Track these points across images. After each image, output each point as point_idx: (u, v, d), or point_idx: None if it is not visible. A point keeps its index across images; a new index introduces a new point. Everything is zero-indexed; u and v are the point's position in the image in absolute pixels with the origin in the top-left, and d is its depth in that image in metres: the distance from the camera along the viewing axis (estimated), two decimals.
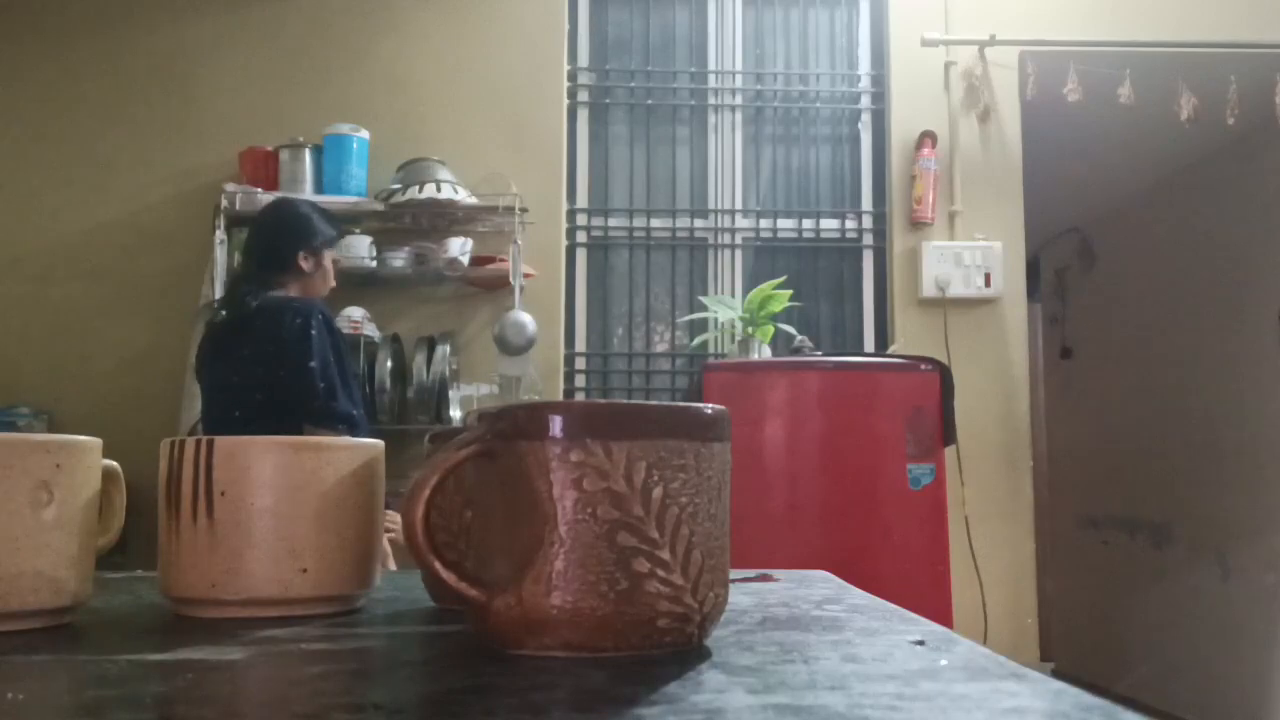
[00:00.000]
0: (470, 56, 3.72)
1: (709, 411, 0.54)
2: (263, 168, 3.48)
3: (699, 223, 3.88)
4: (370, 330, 3.37)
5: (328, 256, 2.63)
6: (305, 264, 2.56)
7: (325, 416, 2.33)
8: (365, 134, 3.51)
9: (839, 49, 3.94)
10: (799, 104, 3.92)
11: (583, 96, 3.90)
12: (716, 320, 3.56)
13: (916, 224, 3.69)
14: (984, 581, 3.40)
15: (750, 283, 3.67)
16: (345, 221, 3.05)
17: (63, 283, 3.59)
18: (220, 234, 3.28)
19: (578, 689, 0.45)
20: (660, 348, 3.87)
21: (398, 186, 3.45)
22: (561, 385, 3.65)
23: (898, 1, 3.80)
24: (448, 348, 3.42)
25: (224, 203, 3.30)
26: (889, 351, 3.57)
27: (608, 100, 3.91)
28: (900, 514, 2.80)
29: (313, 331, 2.37)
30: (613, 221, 3.86)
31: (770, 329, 3.26)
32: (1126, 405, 5.58)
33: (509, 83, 3.71)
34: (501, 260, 3.47)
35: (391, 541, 2.03)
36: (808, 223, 3.86)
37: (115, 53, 3.69)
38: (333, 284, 2.68)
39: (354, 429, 2.32)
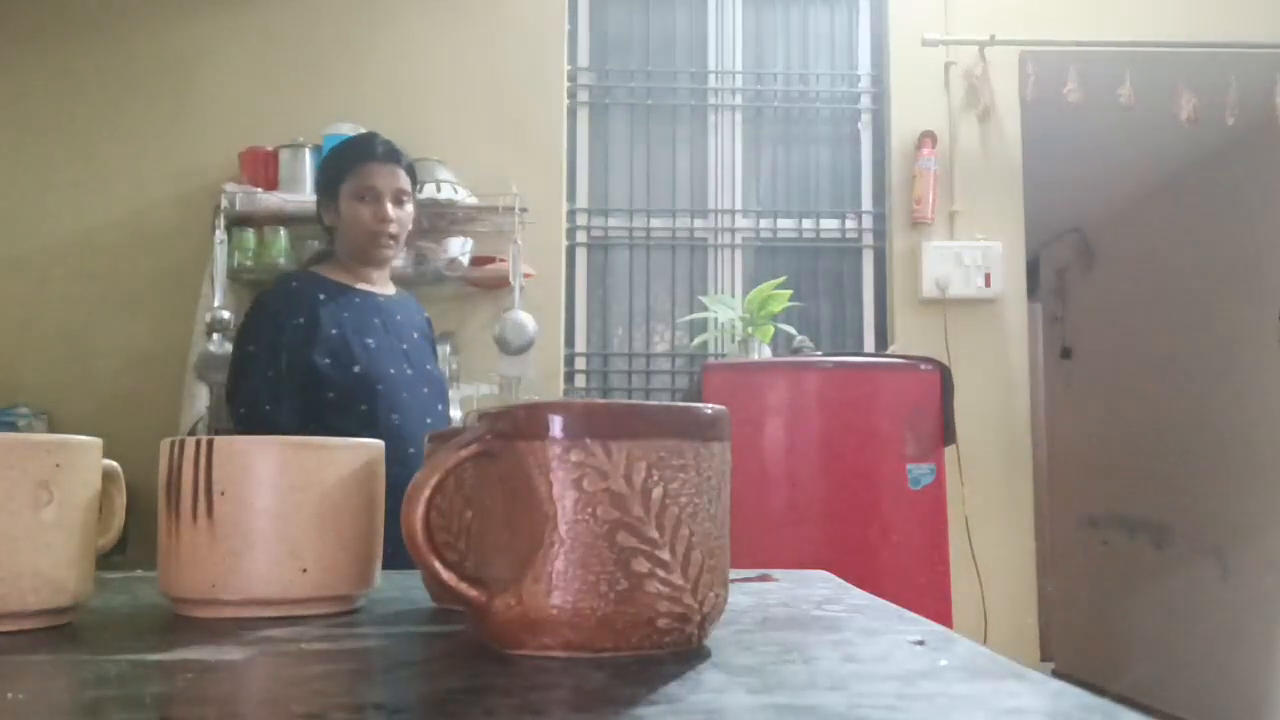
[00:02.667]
0: (470, 56, 3.72)
1: (709, 411, 0.54)
2: (263, 168, 3.48)
3: (699, 223, 3.88)
4: None
5: (345, 197, 2.14)
6: (329, 219, 2.20)
7: (228, 408, 2.15)
8: None
9: (839, 49, 3.94)
10: (799, 104, 3.92)
11: (583, 96, 3.90)
12: (716, 320, 3.56)
13: (916, 224, 3.69)
14: (984, 581, 3.40)
15: (750, 283, 3.67)
16: None
17: (63, 283, 3.59)
18: (220, 234, 3.27)
19: (578, 689, 0.45)
20: (660, 348, 3.87)
21: None
22: (561, 385, 3.65)
23: (898, 1, 3.80)
24: (448, 348, 3.42)
25: (224, 203, 3.30)
26: (889, 351, 3.57)
27: (608, 100, 3.91)
28: (900, 514, 2.80)
29: (246, 318, 2.19)
30: (613, 221, 3.87)
31: (770, 329, 3.26)
32: (1126, 405, 5.58)
33: (509, 83, 3.71)
34: (501, 260, 3.47)
35: None
36: (808, 223, 3.86)
37: (115, 53, 3.69)
38: (373, 229, 2.13)
39: (243, 427, 2.07)
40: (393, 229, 2.17)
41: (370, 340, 2.13)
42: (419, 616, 0.68)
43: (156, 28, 3.71)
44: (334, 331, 2.09)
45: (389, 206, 2.15)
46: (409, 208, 2.22)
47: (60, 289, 3.59)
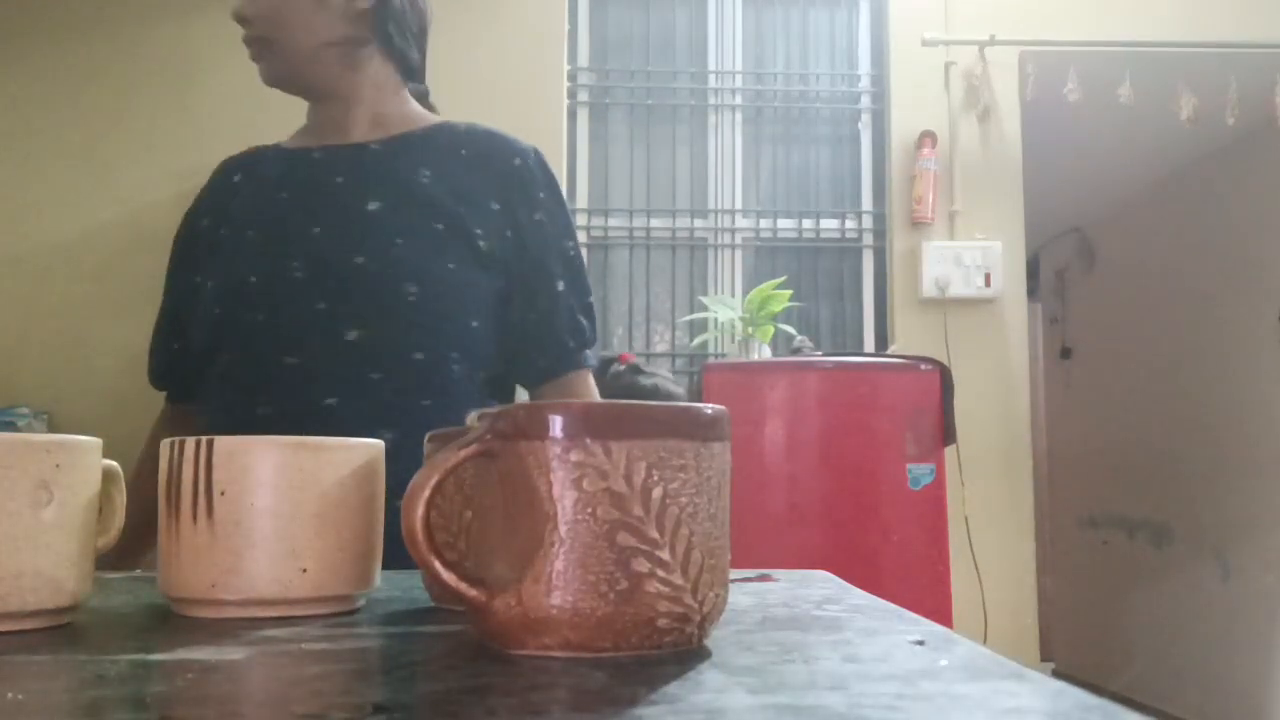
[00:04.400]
0: (470, 56, 3.72)
1: (709, 411, 0.54)
2: None
3: (699, 223, 3.88)
4: None
5: None
6: None
7: None
8: None
9: (839, 49, 3.94)
10: (799, 104, 3.92)
11: (583, 96, 3.90)
12: (716, 320, 3.56)
13: (916, 224, 3.69)
14: (984, 581, 3.40)
15: (750, 283, 3.67)
16: None
17: (63, 283, 3.59)
18: None
19: (578, 689, 0.45)
20: (660, 348, 3.87)
21: None
22: None
23: (898, 1, 3.80)
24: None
25: None
26: (889, 351, 3.57)
27: (608, 100, 3.91)
28: (900, 514, 2.80)
29: None
30: (613, 222, 3.86)
31: (770, 329, 3.26)
32: (1126, 405, 5.58)
33: (509, 82, 3.71)
34: None
35: None
36: (808, 223, 3.86)
37: (115, 53, 3.69)
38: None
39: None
40: (252, 28, 1.35)
41: (252, 231, 1.28)
42: (419, 616, 0.68)
43: (157, 28, 3.71)
44: (222, 231, 1.33)
45: None
46: None
47: (60, 289, 3.59)
